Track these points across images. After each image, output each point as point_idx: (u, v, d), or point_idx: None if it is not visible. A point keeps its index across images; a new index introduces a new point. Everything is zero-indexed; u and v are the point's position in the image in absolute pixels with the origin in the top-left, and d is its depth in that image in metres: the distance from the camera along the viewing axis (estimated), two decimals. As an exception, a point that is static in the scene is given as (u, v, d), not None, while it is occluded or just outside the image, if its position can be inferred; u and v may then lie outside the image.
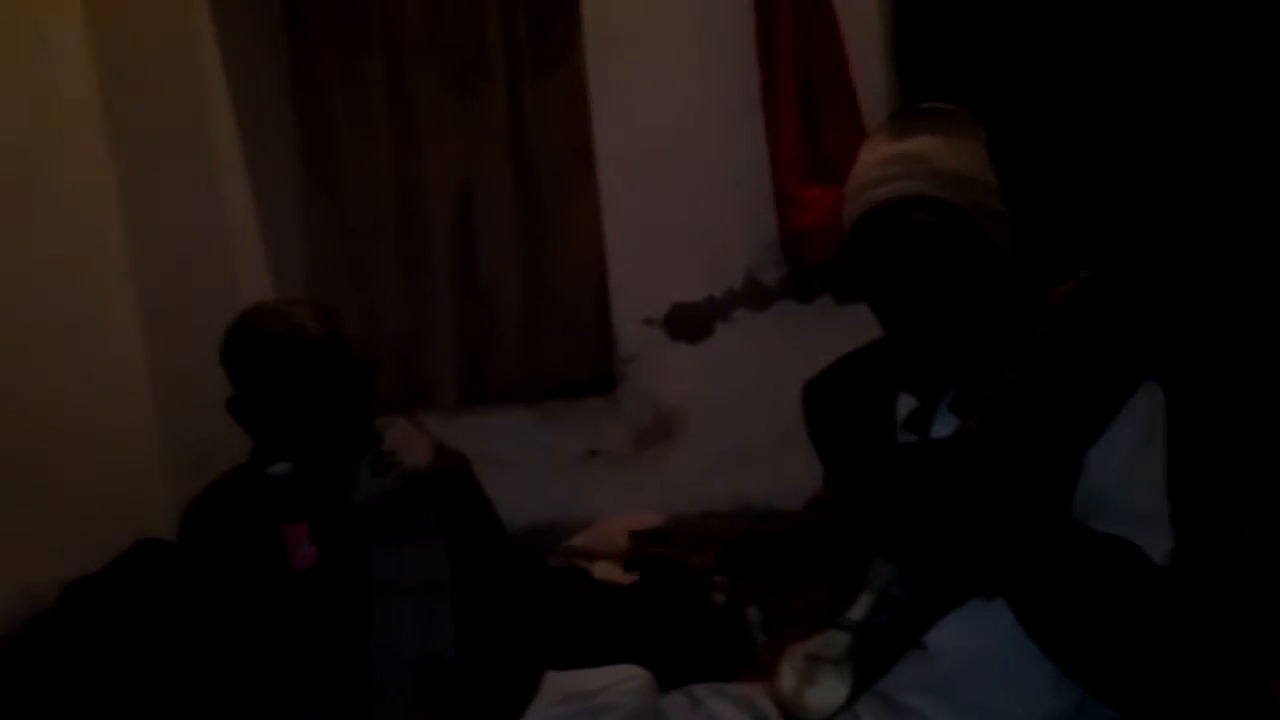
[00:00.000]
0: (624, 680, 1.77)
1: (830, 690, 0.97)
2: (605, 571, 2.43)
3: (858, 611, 0.99)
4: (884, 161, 1.23)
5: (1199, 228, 2.60)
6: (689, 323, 2.78)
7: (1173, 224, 2.61)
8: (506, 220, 3.03)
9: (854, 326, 1.39)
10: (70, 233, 2.57)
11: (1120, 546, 1.14)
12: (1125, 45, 2.60)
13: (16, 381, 2.33)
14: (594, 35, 2.76)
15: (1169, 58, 2.59)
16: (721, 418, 2.73)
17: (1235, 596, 2.08)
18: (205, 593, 1.59)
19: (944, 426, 1.23)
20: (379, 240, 3.08)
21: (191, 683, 1.62)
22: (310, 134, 3.09)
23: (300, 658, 1.57)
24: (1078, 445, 1.17)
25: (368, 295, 3.02)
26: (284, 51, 3.07)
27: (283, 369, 1.52)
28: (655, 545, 1.41)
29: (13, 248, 2.38)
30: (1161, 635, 1.14)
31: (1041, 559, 1.12)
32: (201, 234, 2.77)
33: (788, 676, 0.99)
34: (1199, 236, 2.59)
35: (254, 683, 1.57)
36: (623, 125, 2.76)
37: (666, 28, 2.72)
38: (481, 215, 3.05)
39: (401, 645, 1.57)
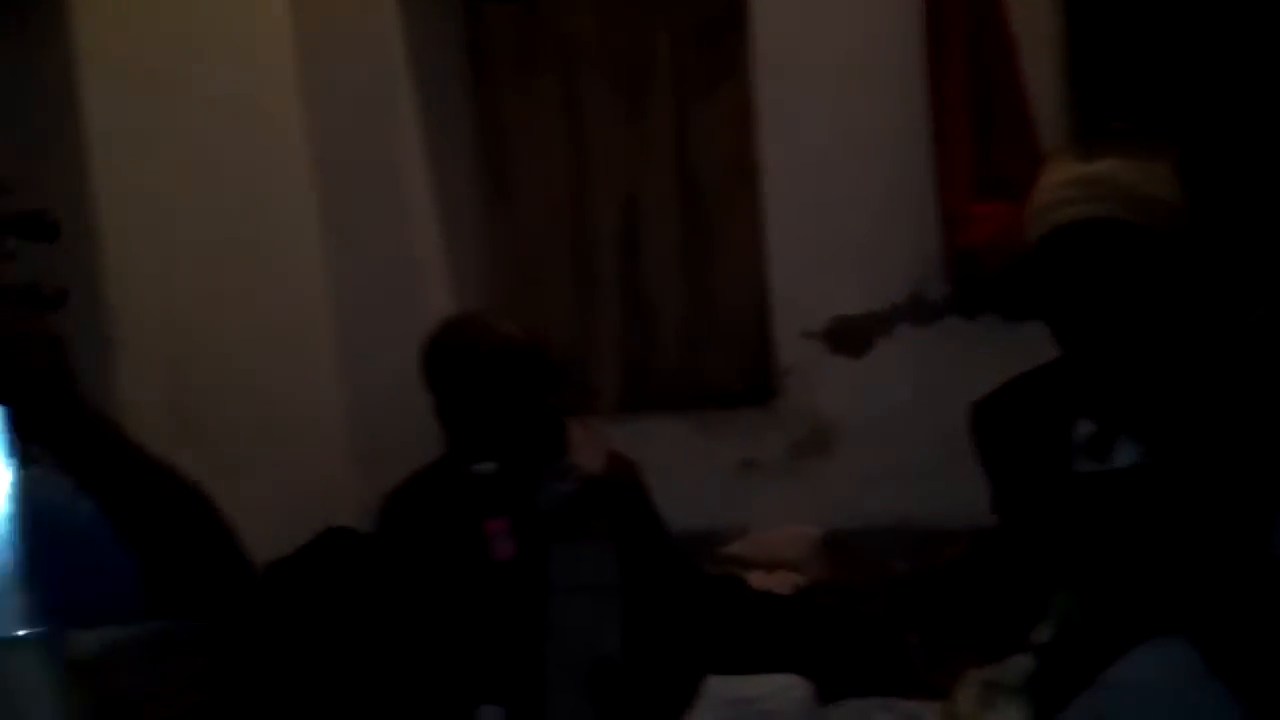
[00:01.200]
0: (785, 689, 1.84)
1: (1008, 718, 0.97)
2: (762, 580, 2.45)
3: (1038, 640, 0.99)
4: (1070, 183, 1.22)
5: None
6: (849, 336, 2.76)
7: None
8: (670, 232, 3.10)
9: (1021, 345, 1.37)
10: (275, 243, 2.81)
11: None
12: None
13: (224, 377, 2.56)
14: (762, 51, 2.79)
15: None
16: (881, 433, 2.70)
17: None
18: (402, 579, 1.71)
19: (1124, 453, 1.20)
20: (551, 251, 3.19)
21: (380, 663, 1.74)
22: (489, 150, 3.24)
23: (485, 645, 1.66)
24: (1276, 477, 1.13)
25: (540, 304, 3.13)
26: (466, 71, 3.23)
27: (493, 374, 1.63)
28: (830, 597, 1.40)
29: (226, 260, 2.61)
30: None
31: (1231, 596, 1.10)
32: (389, 243, 2.97)
33: (966, 702, 1.00)
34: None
35: (440, 666, 1.68)
36: (788, 139, 2.78)
37: (835, 43, 2.72)
38: (646, 227, 3.13)
39: (574, 643, 1.66)
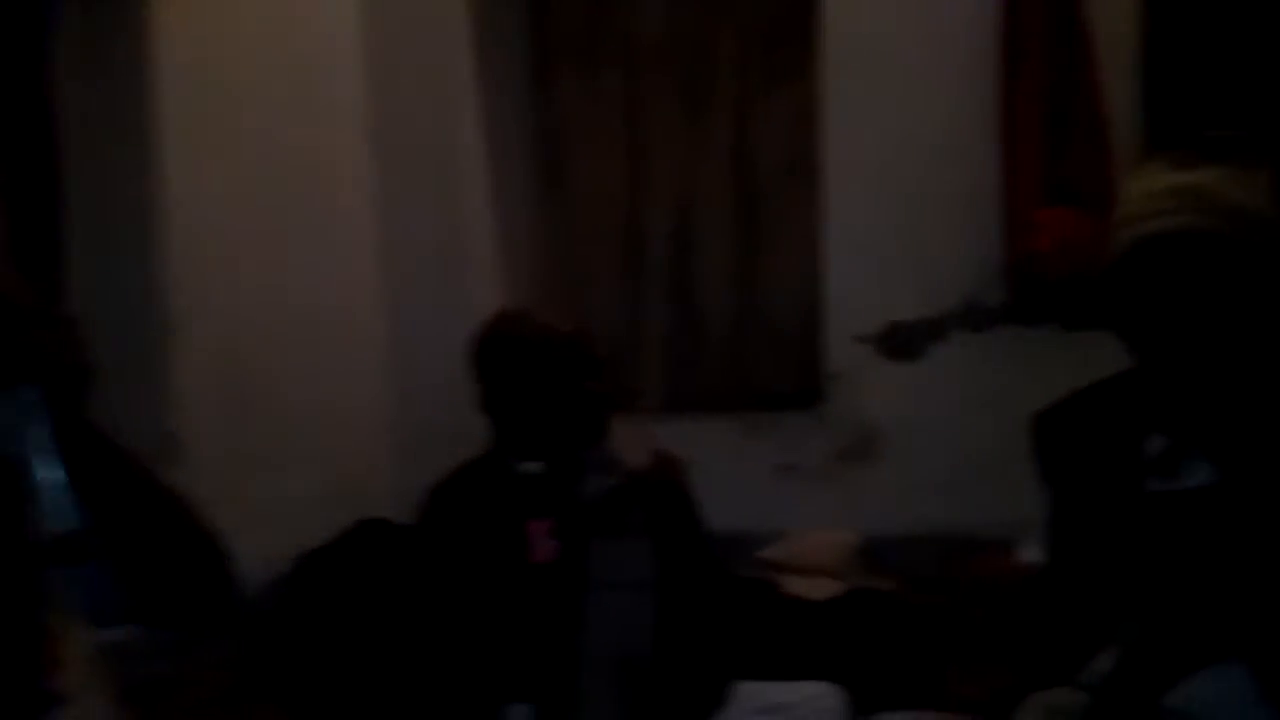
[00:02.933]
0: (816, 697, 1.80)
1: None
2: (797, 586, 2.41)
3: (1100, 668, 0.93)
4: (1163, 193, 1.15)
5: None
6: (902, 342, 2.70)
7: None
8: (724, 232, 3.07)
9: (1080, 356, 1.32)
10: (331, 234, 2.82)
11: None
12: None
13: (267, 373, 2.56)
14: (830, 50, 2.75)
15: None
16: (930, 442, 2.63)
17: None
18: (439, 574, 1.69)
19: (1196, 472, 1.14)
20: (602, 248, 3.17)
21: (410, 657, 1.72)
22: (546, 146, 3.23)
23: (517, 643, 1.64)
24: None
25: (588, 300, 3.10)
26: (529, 65, 3.22)
27: (535, 361, 1.62)
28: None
29: (284, 249, 2.63)
30: None
31: None
32: (441, 236, 2.97)
33: None
34: None
35: (470, 663, 1.65)
36: (852, 140, 2.73)
37: (905, 44, 2.68)
38: (700, 227, 3.10)
39: (607, 640, 1.63)
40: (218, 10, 2.42)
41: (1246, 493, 1.01)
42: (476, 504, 1.70)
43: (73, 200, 2.29)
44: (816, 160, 2.78)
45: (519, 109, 3.20)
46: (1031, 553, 1.57)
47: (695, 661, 1.70)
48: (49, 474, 0.71)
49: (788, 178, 2.99)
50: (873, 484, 2.71)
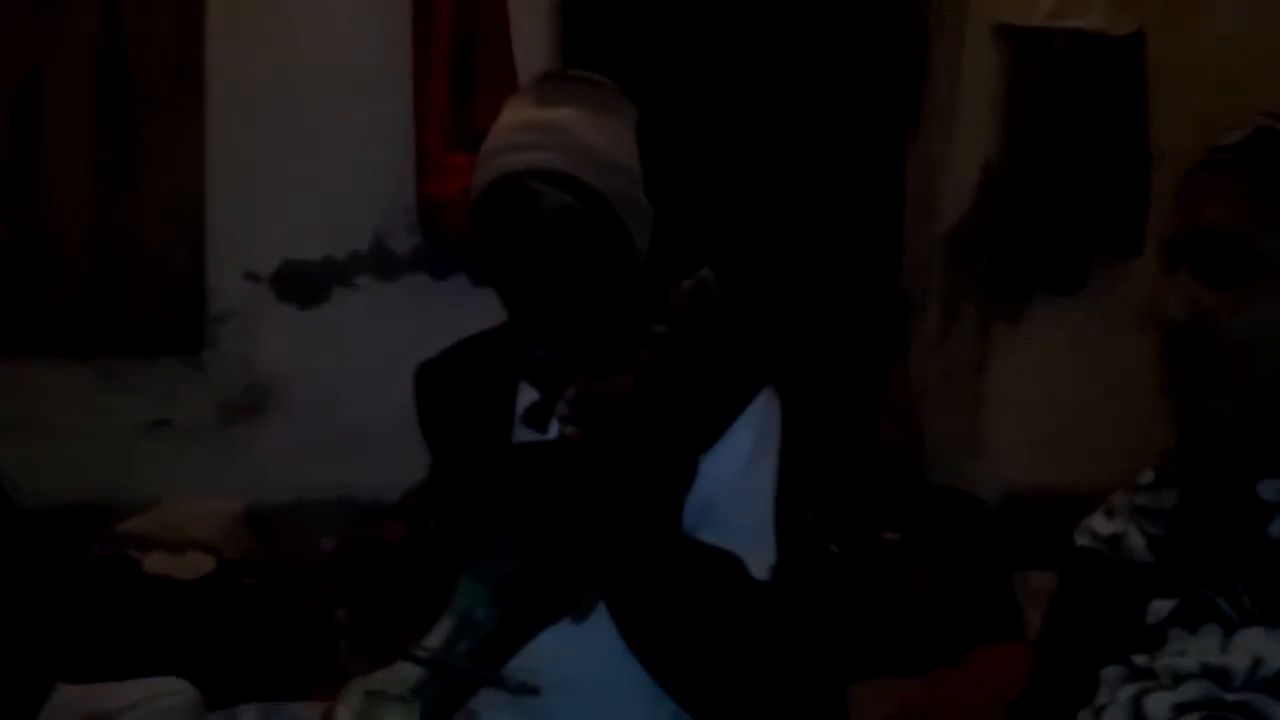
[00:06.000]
0: (159, 696, 1.58)
1: (393, 732, 0.80)
2: (163, 563, 2.11)
3: (434, 639, 0.82)
4: (523, 126, 1.12)
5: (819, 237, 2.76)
6: (301, 284, 2.52)
7: (799, 231, 2.76)
8: (83, 135, 2.57)
9: (490, 310, 1.27)
10: None
11: (722, 560, 1.10)
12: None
13: None
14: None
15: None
16: (329, 396, 2.49)
17: (820, 611, 2.21)
18: None
19: (560, 424, 1.12)
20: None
21: None
22: None
23: None
24: (692, 451, 1.12)
25: None
26: None
27: None
28: (252, 577, 1.15)
29: None
30: (754, 652, 1.11)
31: (646, 571, 1.06)
32: None
33: (343, 717, 0.80)
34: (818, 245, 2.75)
35: None
36: (246, 48, 2.46)
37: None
38: (51, 125, 2.57)
39: None
40: None
41: (593, 444, 0.98)
42: None
43: None
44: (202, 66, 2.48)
45: None
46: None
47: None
48: None
49: (169, 78, 2.58)
50: (263, 443, 2.51)
